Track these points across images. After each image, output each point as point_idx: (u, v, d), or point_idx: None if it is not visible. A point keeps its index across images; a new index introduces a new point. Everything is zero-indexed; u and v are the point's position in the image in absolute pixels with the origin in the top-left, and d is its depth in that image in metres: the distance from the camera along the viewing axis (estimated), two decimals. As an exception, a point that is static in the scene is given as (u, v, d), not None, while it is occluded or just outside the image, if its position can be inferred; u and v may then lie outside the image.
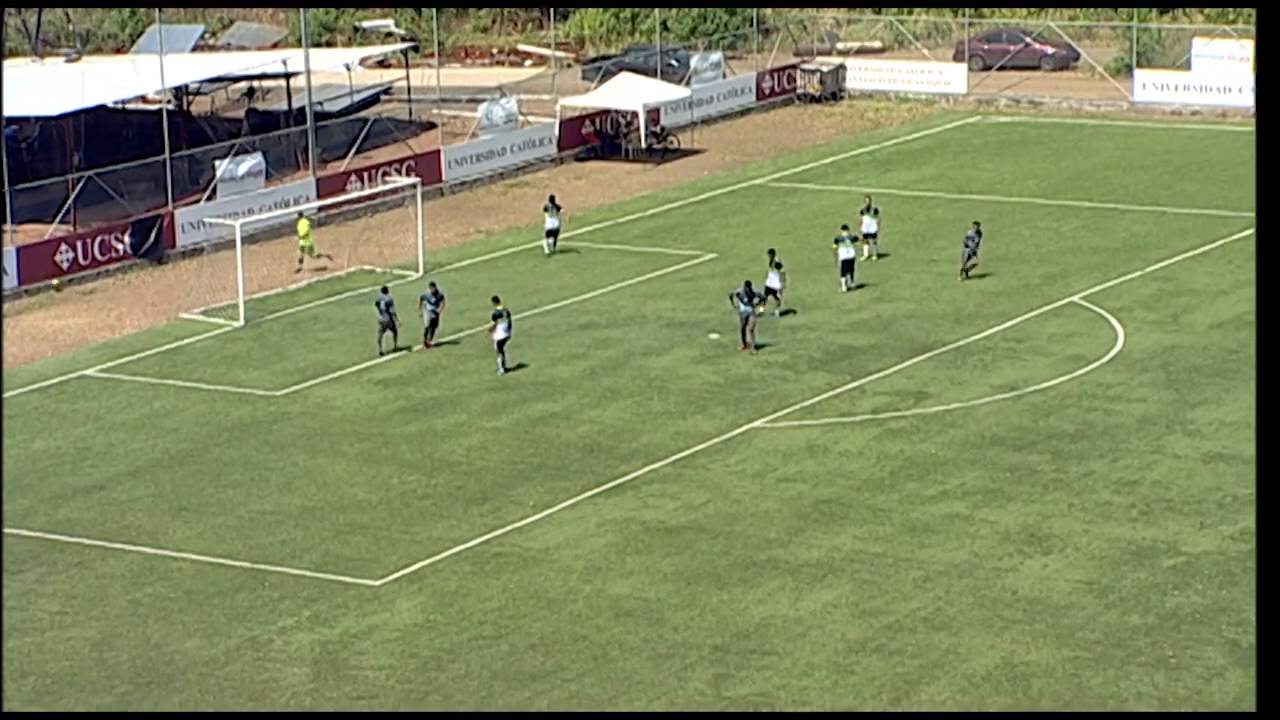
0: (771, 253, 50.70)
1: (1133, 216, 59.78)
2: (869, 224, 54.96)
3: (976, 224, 53.87)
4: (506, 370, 46.12)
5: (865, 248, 54.26)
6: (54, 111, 61.14)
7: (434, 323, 48.20)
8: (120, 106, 68.50)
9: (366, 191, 60.87)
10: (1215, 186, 62.40)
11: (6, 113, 58.38)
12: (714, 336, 49.08)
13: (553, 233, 56.98)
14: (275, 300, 53.44)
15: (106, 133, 65.14)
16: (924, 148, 70.18)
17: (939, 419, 43.05)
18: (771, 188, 65.10)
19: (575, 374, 46.48)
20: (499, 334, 46.18)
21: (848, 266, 51.97)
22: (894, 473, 39.97)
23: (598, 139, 70.76)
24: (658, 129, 71.14)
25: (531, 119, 70.25)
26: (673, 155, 70.06)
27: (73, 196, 57.78)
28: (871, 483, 39.53)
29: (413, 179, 58.97)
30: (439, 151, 65.99)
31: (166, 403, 45.37)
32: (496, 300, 47.20)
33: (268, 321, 51.54)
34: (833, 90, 78.31)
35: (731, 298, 47.72)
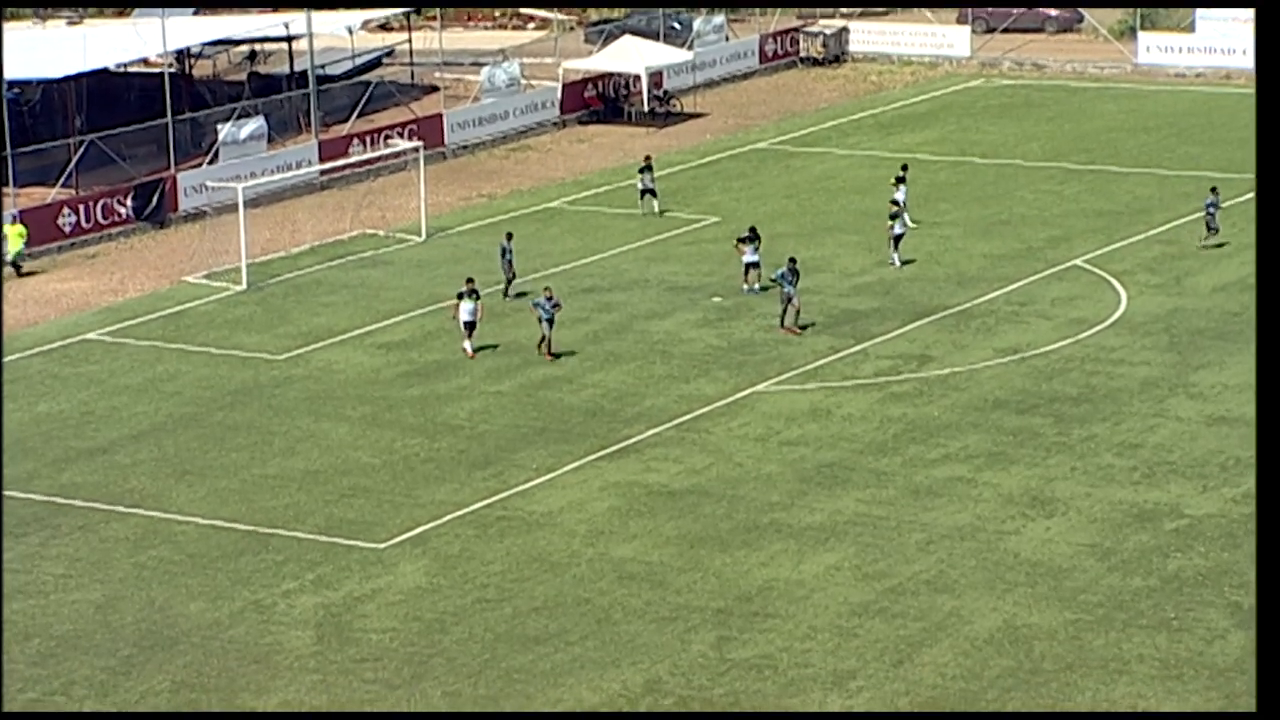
0: (752, 229, 49.64)
1: (1136, 179, 59.70)
2: (900, 193, 54.30)
3: (1214, 189, 51.35)
4: (475, 353, 44.70)
5: (905, 216, 53.83)
6: (56, 75, 61.03)
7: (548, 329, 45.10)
8: (122, 70, 68.37)
9: (369, 155, 60.80)
10: (1219, 149, 62.28)
11: (8, 75, 58.30)
12: (716, 300, 49.06)
13: (648, 192, 55.84)
14: (278, 264, 53.43)
15: (108, 96, 65.03)
16: (927, 111, 70.05)
17: (942, 382, 43.06)
18: (774, 151, 65.01)
19: (578, 338, 46.48)
20: (465, 315, 44.60)
21: (898, 241, 51.02)
22: (897, 436, 40.00)
23: (600, 102, 70.64)
24: (660, 92, 71.00)
25: (534, 82, 70.12)
26: (675, 118, 69.95)
27: (75, 160, 57.72)
28: (874, 446, 39.56)
29: (415, 142, 58.91)
30: (441, 115, 65.89)
31: (169, 366, 45.40)
32: (469, 280, 45.67)
33: (270, 285, 51.53)
34: (836, 53, 78.14)
35: (778, 278, 45.83)
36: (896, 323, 46.81)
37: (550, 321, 44.36)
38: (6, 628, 32.73)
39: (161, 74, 61.55)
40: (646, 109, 69.83)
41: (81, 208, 55.96)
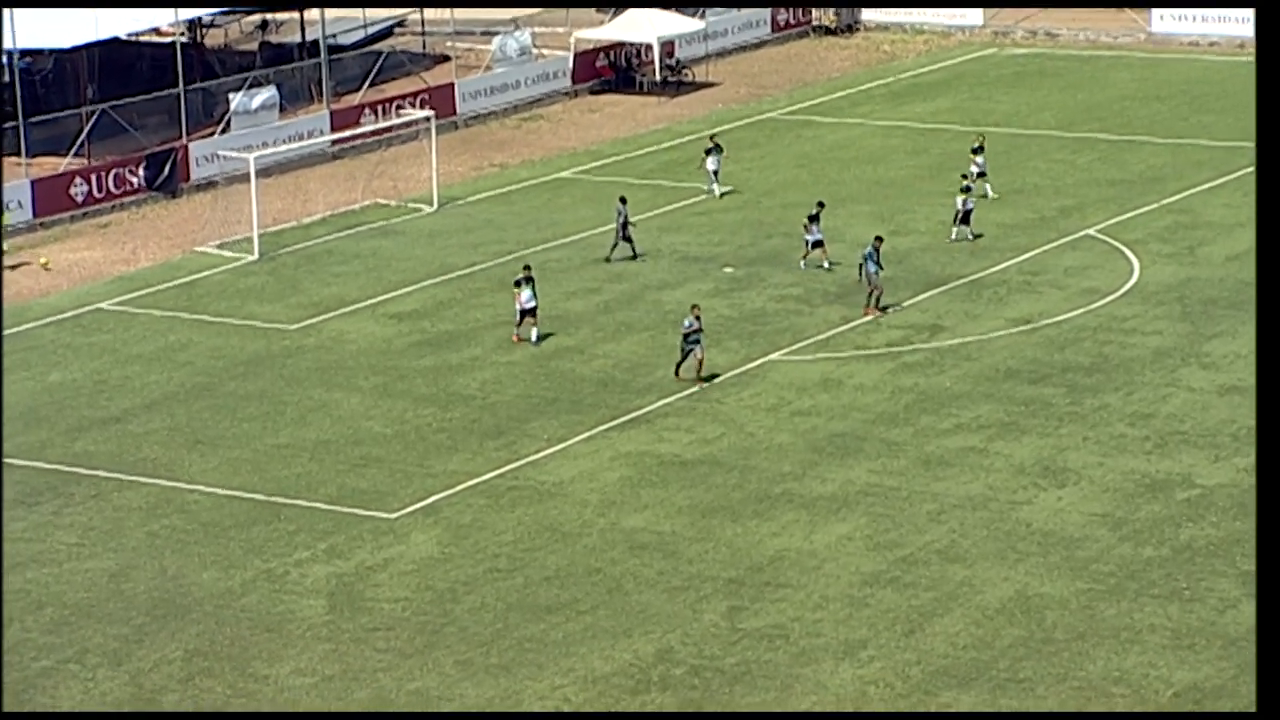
0: (820, 203, 49.21)
1: (1149, 148, 59.54)
2: (981, 164, 54.01)
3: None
4: (535, 342, 43.42)
5: (986, 186, 53.64)
6: (67, 44, 60.97)
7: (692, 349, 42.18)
8: (134, 39, 68.27)
9: (380, 125, 60.74)
10: (1233, 118, 62.07)
11: (20, 44, 58.30)
12: (728, 270, 49.03)
13: (716, 174, 54.98)
14: (289, 234, 53.43)
15: (120, 65, 64.96)
16: (940, 80, 69.87)
17: (954, 352, 43.03)
18: (786, 121, 64.88)
19: (589, 308, 46.46)
20: (524, 301, 43.39)
21: (966, 216, 50.36)
22: (908, 406, 39.97)
23: (612, 72, 70.51)
24: (672, 62, 70.85)
25: (546, 52, 69.99)
26: (687, 88, 69.81)
27: (87, 129, 57.71)
28: (886, 416, 39.54)
29: (427, 112, 58.83)
30: (453, 85, 65.79)
31: (181, 336, 45.44)
32: (526, 266, 44.84)
33: (282, 255, 51.54)
34: (848, 23, 77.88)
35: (862, 262, 44.64)
36: (909, 293, 46.74)
37: (699, 342, 40.68)
38: (20, 597, 32.85)
39: (173, 43, 61.47)
40: (658, 78, 69.70)
41: (93, 177, 55.97)
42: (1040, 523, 34.63)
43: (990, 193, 53.55)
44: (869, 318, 44.60)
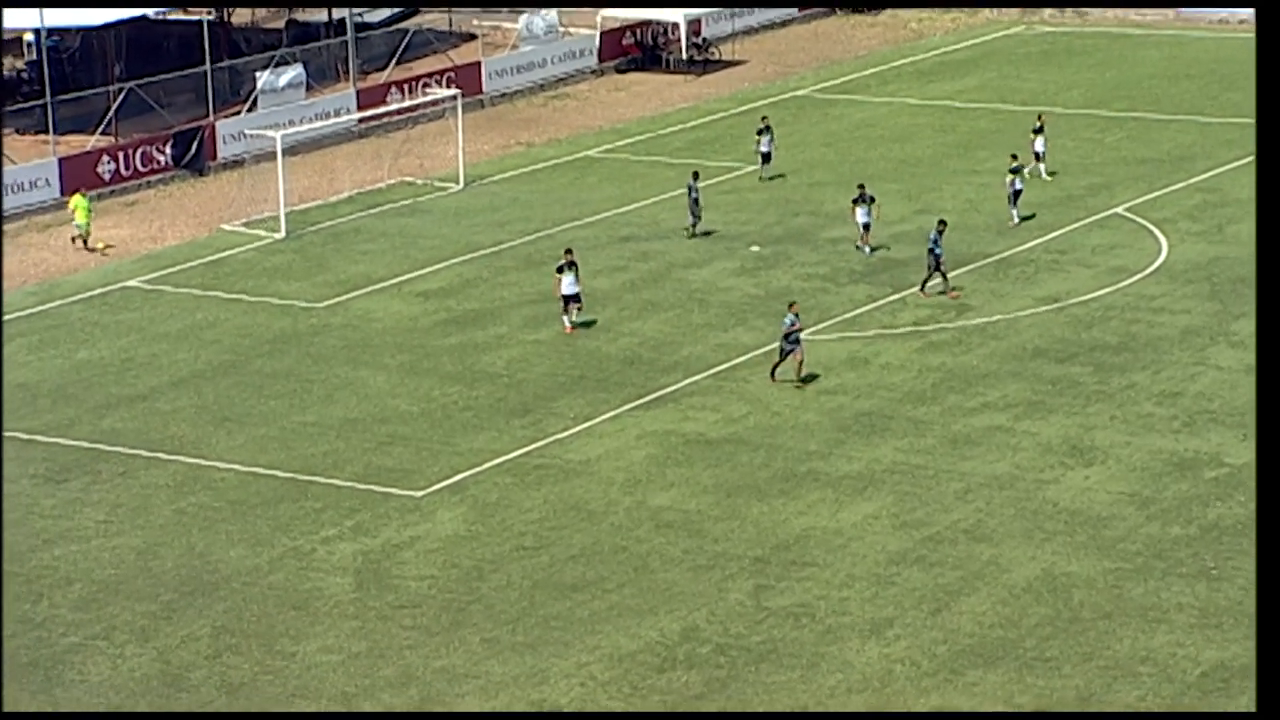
0: (861, 187, 48.63)
1: (1178, 126, 59.30)
2: (1042, 144, 53.51)
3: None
4: (575, 326, 42.96)
5: (1041, 167, 53.46)
6: (95, 22, 61.08)
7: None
8: (161, 17, 68.35)
9: (407, 103, 60.74)
10: (1262, 97, 61.73)
11: (49, 23, 58.42)
12: (755, 249, 48.97)
13: (767, 156, 54.62)
14: (316, 212, 53.48)
15: (147, 44, 65.05)
16: (967, 58, 69.65)
17: (981, 331, 42.93)
18: (813, 99, 64.73)
19: (615, 286, 46.44)
20: (566, 288, 42.71)
21: (1017, 197, 49.85)
22: (935, 385, 39.90)
23: (639, 50, 70.42)
24: (699, 40, 70.72)
25: (572, 30, 69.91)
26: (714, 66, 69.68)
27: (114, 108, 57.80)
28: (912, 395, 39.47)
29: (453, 90, 58.81)
30: (479, 63, 65.76)
31: (209, 314, 45.53)
32: (568, 251, 43.91)
33: (308, 233, 51.60)
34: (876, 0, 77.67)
35: (932, 247, 44.08)
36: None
37: (799, 341, 39.49)
38: (49, 573, 32.98)
39: (200, 22, 61.51)
40: (685, 57, 69.58)
41: (121, 155, 56.07)
42: (1067, 502, 34.56)
43: (1044, 174, 53.26)
44: (953, 299, 44.21)
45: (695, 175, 50.22)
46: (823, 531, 33.70)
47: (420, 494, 35.69)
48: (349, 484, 36.13)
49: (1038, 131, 53.86)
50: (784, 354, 39.71)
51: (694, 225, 49.65)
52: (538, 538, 33.84)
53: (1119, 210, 51.22)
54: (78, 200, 50.72)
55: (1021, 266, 46.99)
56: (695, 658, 29.78)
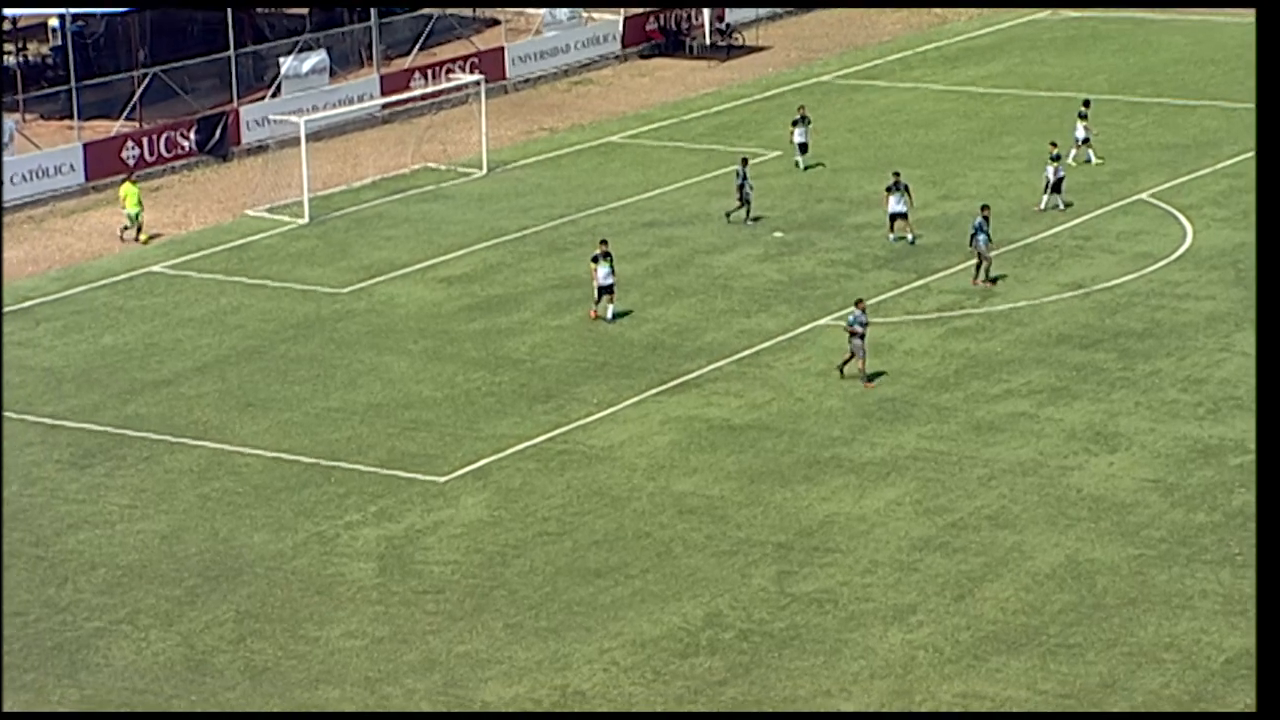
0: (895, 175, 48.19)
1: (1203, 112, 59.09)
2: (1084, 130, 53.30)
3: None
4: (610, 319, 42.66)
5: (1089, 151, 53.26)
6: (120, 7, 61.14)
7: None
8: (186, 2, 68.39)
9: (430, 89, 60.75)
10: (1288, 82, 61.49)
11: (73, 8, 58.49)
12: (778, 235, 48.91)
13: (804, 147, 54.10)
14: (339, 197, 53.53)
15: (172, 29, 65.09)
16: (992, 44, 69.45)
17: (1005, 317, 42.84)
18: (837, 85, 64.61)
19: (639, 272, 46.41)
20: (601, 278, 42.49)
21: (1058, 185, 49.52)
22: (959, 371, 39.83)
23: (662, 35, 70.30)
24: (723, 25, 70.60)
25: (595, 16, 69.83)
26: (737, 52, 69.55)
27: (139, 93, 57.89)
28: (936, 381, 39.41)
29: (476, 76, 58.81)
30: (503, 48, 65.72)
31: (233, 299, 45.60)
32: (603, 242, 43.58)
33: (332, 219, 51.65)
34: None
35: (974, 233, 43.92)
36: (959, 257, 46.53)
37: (863, 337, 38.70)
38: (73, 558, 33.09)
39: (224, 7, 61.51)
40: (708, 42, 69.47)
41: (145, 140, 56.16)
42: (1091, 488, 34.49)
43: (1093, 159, 53.03)
44: (979, 287, 43.98)
45: (744, 161, 50.01)
46: (846, 517, 33.67)
47: (444, 479, 35.72)
48: (372, 469, 36.18)
49: (1083, 115, 53.60)
50: (853, 351, 38.93)
51: (745, 211, 49.16)
52: (561, 523, 33.86)
53: (1144, 196, 51.06)
54: (128, 189, 49.94)
55: (1046, 252, 46.87)
56: (718, 643, 29.78)
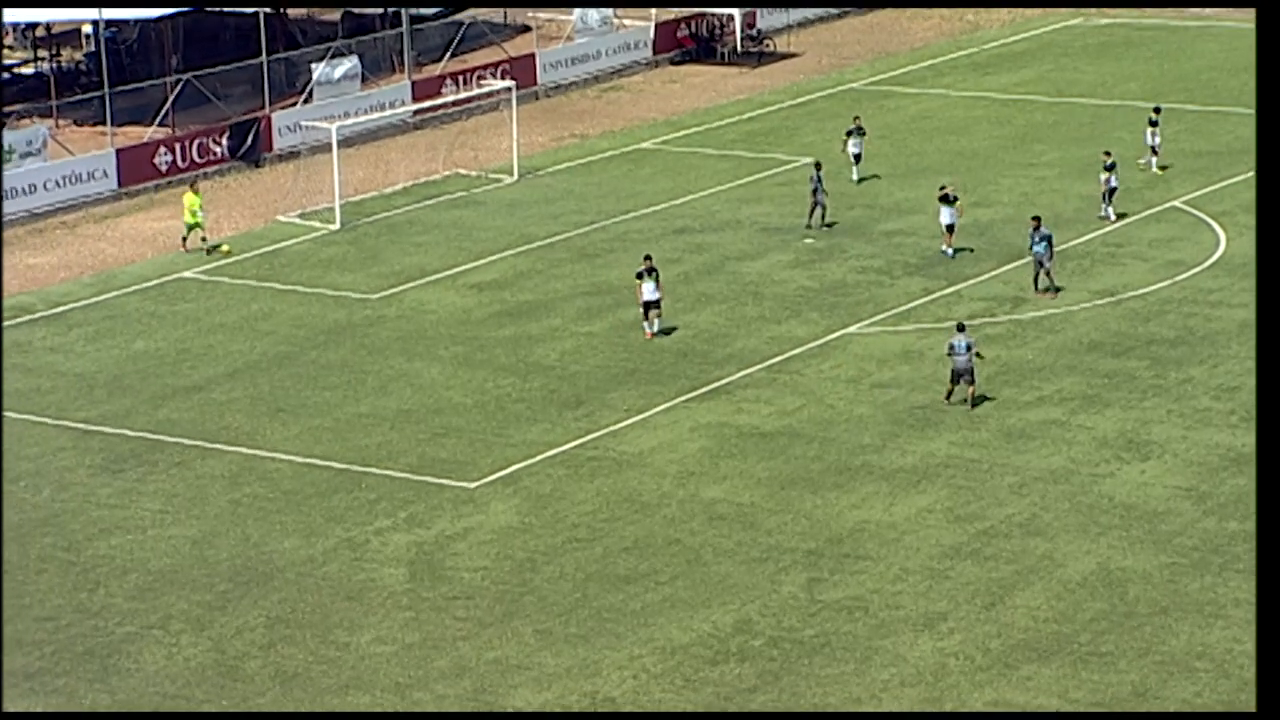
0: (944, 187, 47.92)
1: (1236, 119, 58.87)
2: (1152, 136, 52.93)
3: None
4: (656, 334, 42.15)
5: (1154, 159, 53.09)
6: (153, 14, 61.39)
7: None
8: (218, 9, 68.62)
9: (461, 95, 60.84)
10: (1322, 89, 61.24)
11: (107, 15, 58.72)
12: (809, 241, 48.87)
13: (858, 158, 53.34)
14: (371, 203, 53.63)
15: (204, 35, 65.36)
16: (1024, 50, 69.32)
17: (1036, 324, 42.73)
18: (868, 91, 64.54)
19: (669, 278, 46.37)
20: (647, 294, 41.98)
21: (1111, 194, 49.21)
22: (990, 378, 39.73)
23: (693, 42, 70.34)
24: (754, 32, 70.62)
25: (627, 22, 69.88)
26: (769, 58, 69.56)
27: (171, 99, 58.10)
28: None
29: (508, 82, 58.89)
30: (534, 55, 65.82)
31: (264, 305, 45.71)
32: (648, 258, 42.98)
33: (363, 225, 51.75)
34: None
35: (1031, 245, 43.63)
36: (991, 264, 46.45)
37: (972, 365, 37.74)
38: (105, 563, 33.19)
39: (256, 13, 61.73)
40: (739, 49, 69.48)
41: (177, 146, 56.35)
42: (1123, 496, 34.37)
43: (1155, 167, 52.75)
44: (1048, 297, 43.74)
45: (818, 165, 49.82)
46: (876, 525, 33.61)
47: (474, 485, 35.75)
48: (403, 475, 36.23)
49: (1153, 124, 53.39)
50: (957, 377, 37.91)
51: (821, 216, 49.01)
52: (591, 529, 33.86)
53: (1176, 203, 50.90)
54: (190, 198, 49.17)
55: (1078, 260, 46.75)
56: (748, 650, 29.75)
